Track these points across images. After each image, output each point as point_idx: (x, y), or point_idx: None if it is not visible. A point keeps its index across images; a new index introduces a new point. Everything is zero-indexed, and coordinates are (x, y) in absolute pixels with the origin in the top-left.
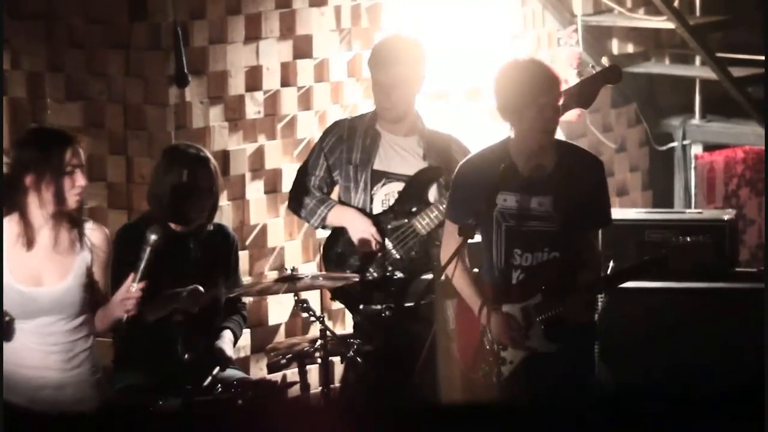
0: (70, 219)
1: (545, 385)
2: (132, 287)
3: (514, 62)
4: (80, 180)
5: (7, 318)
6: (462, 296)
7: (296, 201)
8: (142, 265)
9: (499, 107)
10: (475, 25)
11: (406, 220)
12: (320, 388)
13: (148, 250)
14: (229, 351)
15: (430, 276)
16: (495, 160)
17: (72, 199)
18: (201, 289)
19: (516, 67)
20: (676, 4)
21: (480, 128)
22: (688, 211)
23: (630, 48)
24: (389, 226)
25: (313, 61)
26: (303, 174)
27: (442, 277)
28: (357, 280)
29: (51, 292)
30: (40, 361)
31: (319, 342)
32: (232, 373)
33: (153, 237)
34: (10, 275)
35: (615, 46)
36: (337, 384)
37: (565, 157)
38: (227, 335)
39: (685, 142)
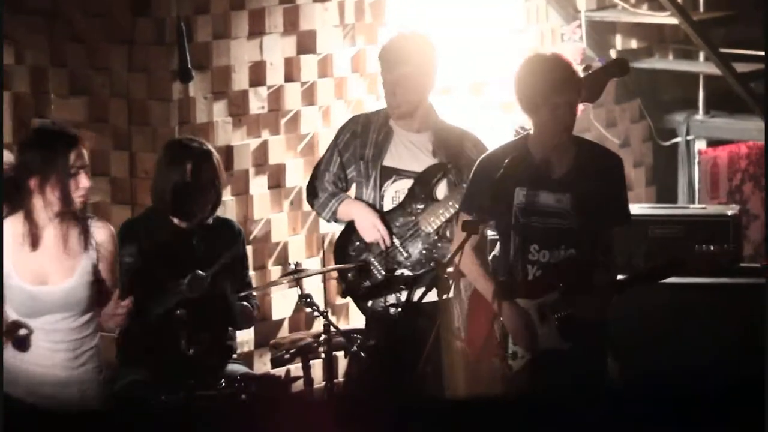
0: (75, 218)
1: (555, 381)
2: (119, 304)
3: (535, 57)
4: (84, 181)
5: (25, 332)
6: (476, 287)
7: (311, 195)
8: (124, 280)
9: (518, 100)
10: (479, 20)
11: (413, 218)
12: (324, 382)
13: (126, 264)
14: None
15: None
16: (514, 156)
17: (77, 201)
18: (200, 272)
19: (537, 62)
20: None
21: (483, 122)
22: (692, 206)
23: (634, 43)
24: (397, 224)
25: (316, 57)
26: (317, 169)
27: (446, 274)
28: (363, 270)
29: (57, 291)
30: (49, 360)
31: (322, 337)
32: (235, 368)
33: (128, 260)
34: (16, 274)
35: (619, 42)
36: (340, 379)
37: (584, 154)
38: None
39: (688, 138)
